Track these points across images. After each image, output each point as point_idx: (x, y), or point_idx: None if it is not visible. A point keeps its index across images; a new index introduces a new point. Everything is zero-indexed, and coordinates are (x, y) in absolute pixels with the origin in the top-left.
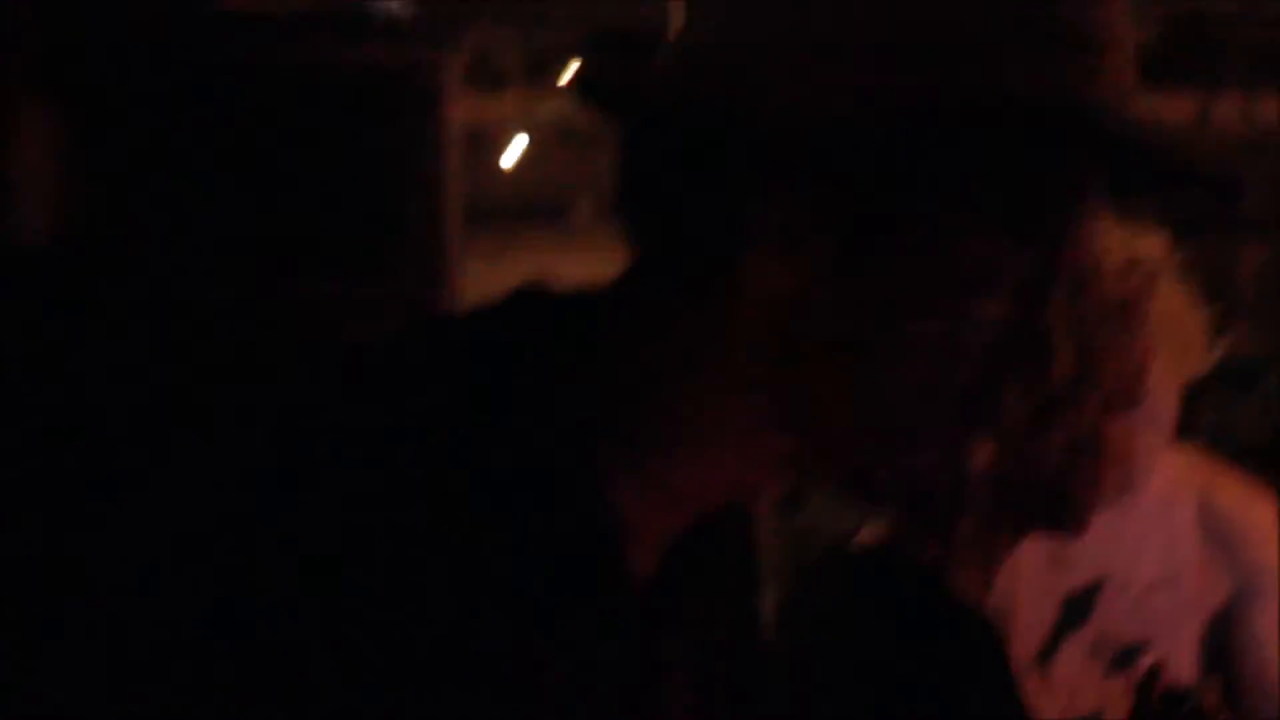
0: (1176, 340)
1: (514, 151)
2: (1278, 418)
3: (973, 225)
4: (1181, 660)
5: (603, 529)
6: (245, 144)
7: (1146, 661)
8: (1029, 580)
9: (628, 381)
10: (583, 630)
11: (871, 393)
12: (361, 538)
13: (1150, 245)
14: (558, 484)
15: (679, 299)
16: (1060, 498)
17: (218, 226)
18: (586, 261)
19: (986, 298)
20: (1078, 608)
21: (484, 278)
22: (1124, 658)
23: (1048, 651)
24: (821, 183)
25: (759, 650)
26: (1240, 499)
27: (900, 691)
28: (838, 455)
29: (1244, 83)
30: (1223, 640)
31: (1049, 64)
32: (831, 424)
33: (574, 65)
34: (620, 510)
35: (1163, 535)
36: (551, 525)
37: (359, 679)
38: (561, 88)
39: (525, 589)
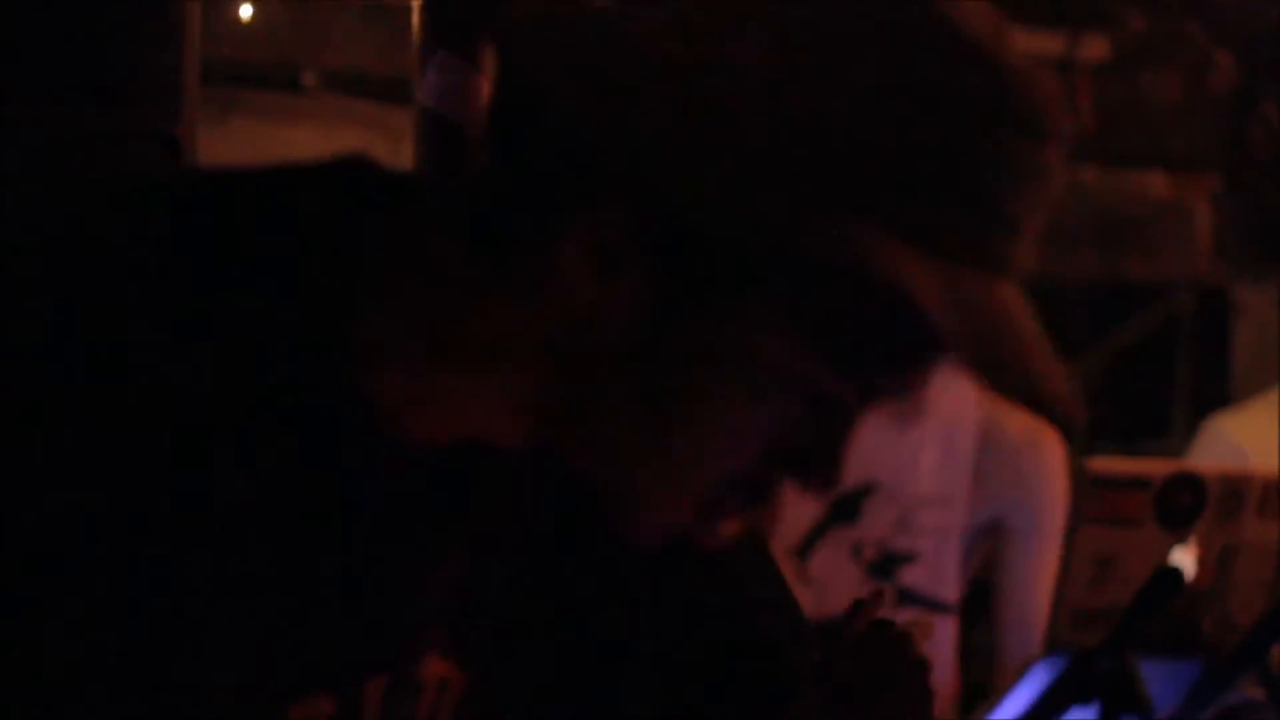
0: None
1: (243, 15)
2: None
3: (784, 333)
4: (946, 578)
5: (352, 410)
6: None
7: (910, 573)
8: None
9: (413, 291)
10: (329, 511)
11: (635, 442)
12: (113, 383)
13: None
14: (316, 356)
15: (487, 251)
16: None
17: None
18: (311, 128)
19: (779, 399)
20: (844, 509)
21: (214, 135)
22: (886, 565)
23: (808, 545)
24: (649, 231)
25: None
26: (1027, 434)
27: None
28: (584, 471)
29: None
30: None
31: (915, 242)
32: (585, 447)
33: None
34: (375, 401)
35: (941, 454)
36: (303, 396)
37: (97, 548)
38: None
39: (274, 454)
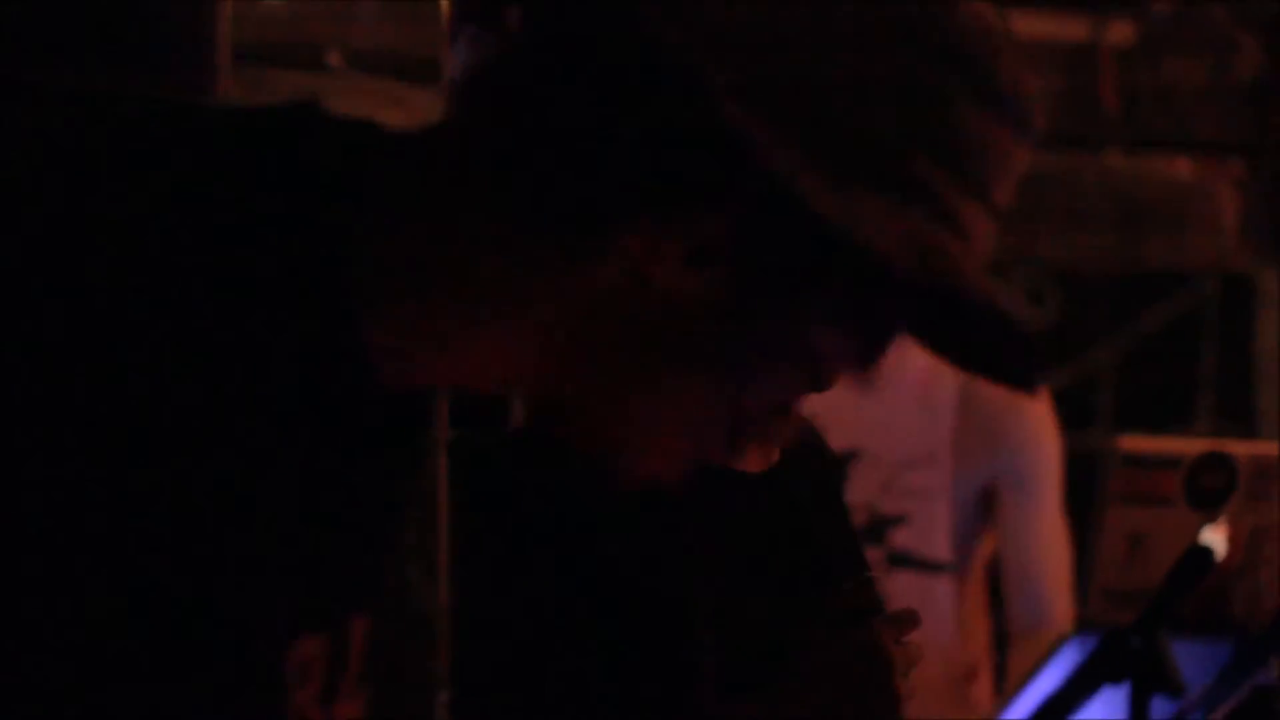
0: None
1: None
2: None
3: (831, 325)
4: (936, 537)
5: (345, 351)
6: None
7: (899, 535)
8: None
9: (417, 239)
10: (313, 446)
11: (656, 396)
12: (105, 319)
13: None
14: (308, 297)
15: (531, 215)
16: None
17: None
18: (337, 107)
19: (801, 371)
20: None
21: None
22: (875, 529)
23: None
24: (744, 223)
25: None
26: (1007, 393)
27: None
28: (590, 425)
29: None
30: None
31: (918, 223)
32: (601, 400)
33: None
34: (368, 343)
35: (921, 414)
36: (296, 338)
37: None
38: None
39: (267, 399)
